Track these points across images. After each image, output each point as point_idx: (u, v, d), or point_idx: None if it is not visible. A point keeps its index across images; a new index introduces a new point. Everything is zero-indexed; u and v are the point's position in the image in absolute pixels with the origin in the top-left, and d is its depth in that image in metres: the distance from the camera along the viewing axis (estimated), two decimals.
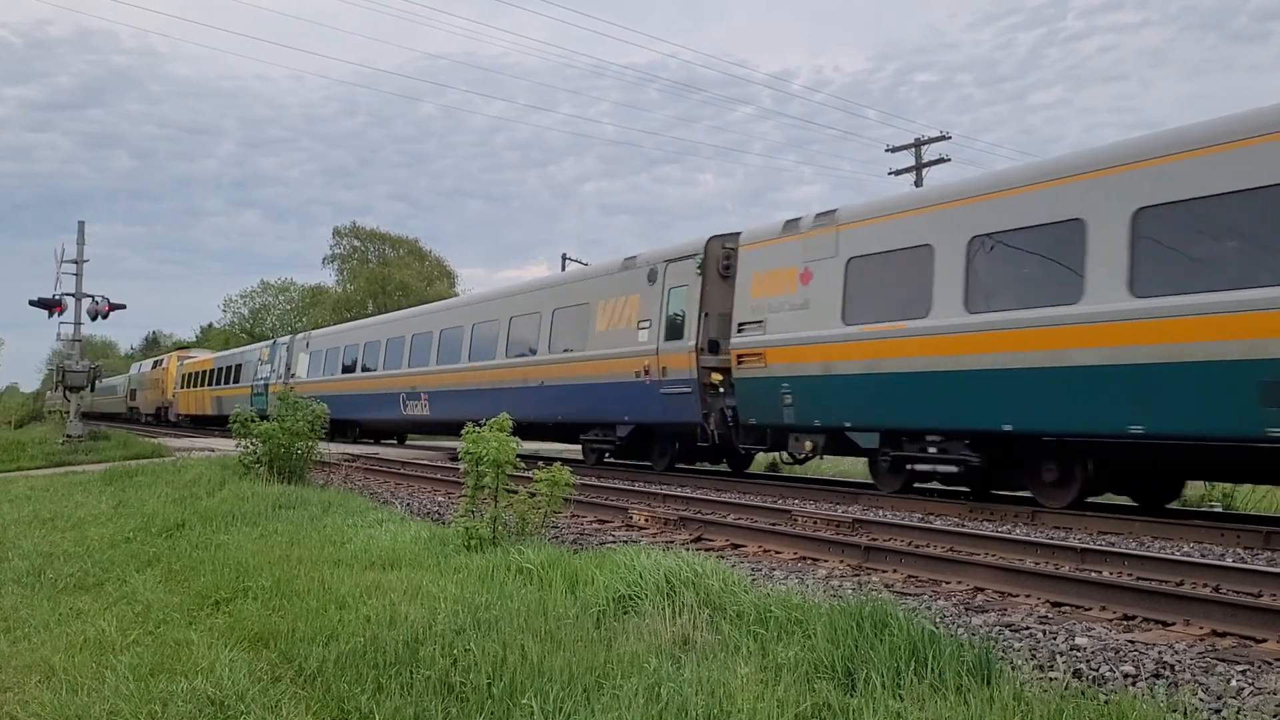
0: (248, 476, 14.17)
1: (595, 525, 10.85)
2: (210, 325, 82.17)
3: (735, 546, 9.25)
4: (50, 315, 26.72)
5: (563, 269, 42.04)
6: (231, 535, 9.35)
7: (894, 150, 34.65)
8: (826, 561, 8.36)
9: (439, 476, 16.04)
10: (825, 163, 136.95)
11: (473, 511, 8.73)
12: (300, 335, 35.73)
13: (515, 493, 8.84)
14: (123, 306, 27.71)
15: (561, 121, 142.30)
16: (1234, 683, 4.65)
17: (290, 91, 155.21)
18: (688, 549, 8.16)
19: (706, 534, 9.83)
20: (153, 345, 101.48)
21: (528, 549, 7.55)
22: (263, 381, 35.87)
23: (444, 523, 10.24)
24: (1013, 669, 4.73)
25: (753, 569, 7.86)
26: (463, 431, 8.92)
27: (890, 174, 34.77)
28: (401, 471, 18.00)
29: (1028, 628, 5.84)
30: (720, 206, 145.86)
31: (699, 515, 10.85)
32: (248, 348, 43.66)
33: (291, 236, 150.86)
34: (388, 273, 63.38)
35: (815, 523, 10.38)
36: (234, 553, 8.22)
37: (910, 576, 7.61)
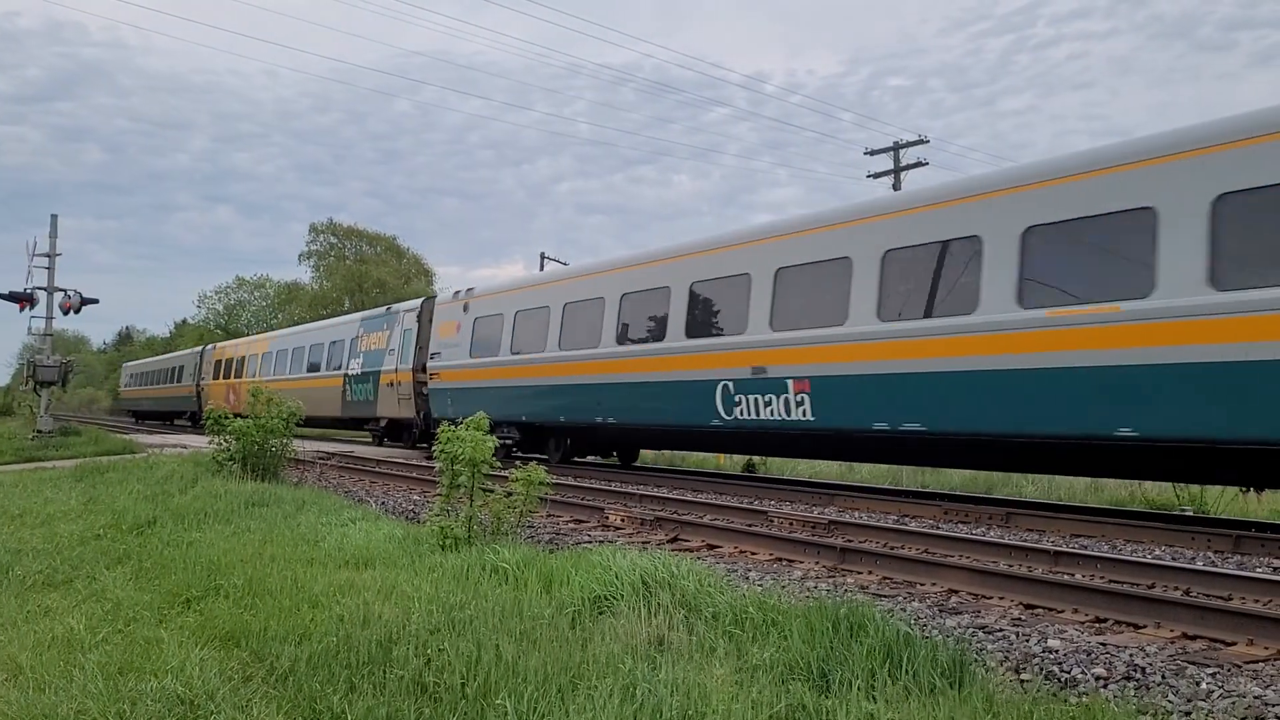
0: (221, 474, 14.05)
1: (571, 525, 10.83)
2: (184, 321, 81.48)
3: (711, 547, 9.25)
4: (21, 310, 26.36)
5: (541, 268, 42.11)
6: (203, 533, 9.26)
7: (873, 153, 34.85)
8: (802, 563, 8.38)
9: (414, 475, 15.97)
10: (800, 165, 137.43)
11: (448, 511, 8.69)
12: (449, 298, 24.27)
13: (491, 492, 8.81)
14: (95, 301, 27.36)
15: (537, 120, 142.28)
16: (1204, 685, 4.69)
17: (264, 87, 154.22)
18: (664, 549, 8.17)
19: (683, 534, 9.83)
20: (125, 341, 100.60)
21: (503, 548, 7.52)
22: (365, 371, 28.28)
23: (419, 522, 10.19)
24: (986, 671, 4.76)
25: (729, 569, 7.87)
26: (437, 430, 8.89)
27: (869, 176, 34.98)
28: (376, 470, 17.91)
29: (1001, 630, 5.87)
30: (695, 208, 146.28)
31: (675, 516, 10.85)
32: (328, 323, 34.37)
33: (265, 232, 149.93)
34: (364, 270, 63.07)
35: (791, 524, 10.40)
36: (206, 550, 8.14)
37: (885, 578, 7.64)
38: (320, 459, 19.92)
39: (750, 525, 10.35)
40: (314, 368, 32.33)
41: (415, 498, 13.45)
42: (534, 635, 5.19)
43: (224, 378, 40.57)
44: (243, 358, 39.73)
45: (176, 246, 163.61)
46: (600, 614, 5.76)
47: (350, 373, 29.19)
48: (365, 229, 69.97)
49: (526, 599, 6.06)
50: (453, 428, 8.78)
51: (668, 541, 9.44)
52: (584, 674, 4.51)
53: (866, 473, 19.72)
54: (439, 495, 9.03)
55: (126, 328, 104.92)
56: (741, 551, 9.02)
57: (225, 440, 14.66)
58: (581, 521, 11.11)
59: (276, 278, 75.87)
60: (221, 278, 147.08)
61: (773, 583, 7.26)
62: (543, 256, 44.79)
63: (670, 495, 13.33)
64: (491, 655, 4.72)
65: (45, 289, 26.37)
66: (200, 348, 42.11)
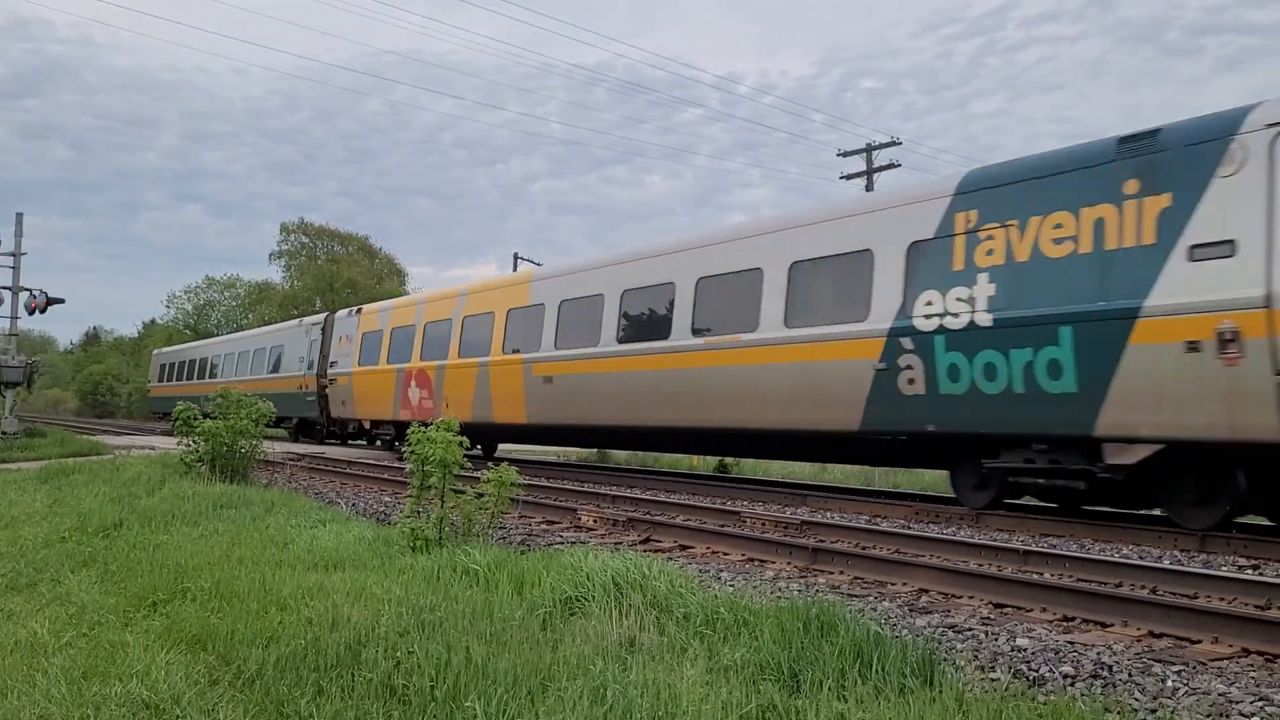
0: (189, 475, 13.91)
1: (544, 526, 10.80)
2: (153, 321, 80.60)
3: (684, 548, 9.25)
4: None
5: (514, 269, 41.99)
6: (171, 535, 9.16)
7: (846, 155, 35.02)
8: (774, 563, 8.40)
9: (385, 476, 15.87)
10: (773, 165, 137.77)
11: (418, 512, 8.65)
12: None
13: (462, 493, 8.77)
14: (61, 301, 27.06)
15: (510, 120, 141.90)
16: (1169, 683, 4.73)
17: (233, 85, 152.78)
18: (636, 550, 8.16)
19: (655, 535, 9.83)
20: (93, 341, 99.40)
21: (474, 550, 7.49)
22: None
23: (389, 523, 10.13)
24: (955, 670, 4.78)
25: (701, 570, 7.87)
26: (408, 431, 8.84)
27: (842, 178, 35.12)
28: (347, 471, 17.79)
29: (970, 629, 5.90)
30: (668, 208, 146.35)
31: (648, 516, 10.84)
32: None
33: (235, 232, 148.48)
34: (336, 270, 62.66)
35: (763, 524, 10.42)
36: (173, 553, 8.06)
37: (857, 578, 7.67)
38: (290, 460, 19.78)
39: (723, 526, 10.36)
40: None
41: (386, 499, 13.37)
42: (504, 637, 5.17)
43: (393, 361, 23.36)
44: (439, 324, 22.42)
45: (146, 245, 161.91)
46: (571, 615, 5.75)
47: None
48: (337, 229, 69.53)
49: (497, 600, 6.03)
50: (423, 429, 8.74)
51: (640, 542, 9.43)
52: (554, 675, 4.49)
53: (839, 473, 19.81)
54: (409, 497, 8.98)
55: (94, 328, 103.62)
56: (714, 552, 9.03)
57: (193, 441, 14.51)
58: (554, 522, 11.08)
59: (247, 277, 75.20)
60: (191, 277, 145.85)
61: (744, 583, 7.27)
62: (516, 257, 44.71)
63: (643, 496, 13.33)
64: (461, 657, 4.70)
65: (10, 288, 26.03)
66: (324, 315, 29.43)
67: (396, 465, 18.03)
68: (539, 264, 39.08)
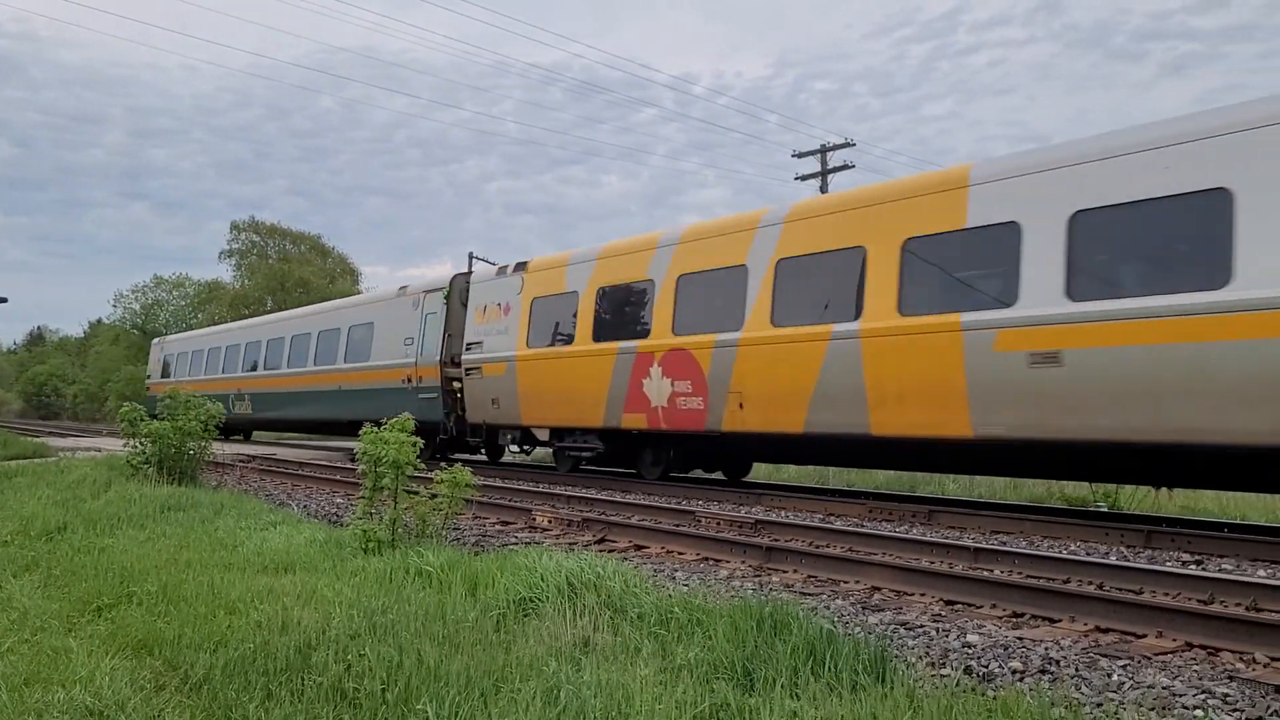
0: (136, 478, 13.67)
1: (498, 527, 10.74)
2: (100, 321, 79.11)
3: (638, 547, 9.25)
4: None
5: (469, 269, 41.50)
6: (117, 539, 9.00)
7: (800, 155, 35.21)
8: (728, 562, 8.42)
9: (337, 478, 15.72)
10: (728, 166, 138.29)
11: (371, 513, 8.56)
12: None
13: (416, 494, 8.70)
14: (3, 300, 26.52)
15: (465, 119, 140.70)
16: (1115, 677, 4.81)
17: (182, 81, 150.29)
18: (591, 550, 8.15)
19: (610, 535, 9.82)
20: (37, 341, 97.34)
21: (427, 551, 7.44)
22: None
23: (341, 525, 10.03)
24: (907, 666, 4.82)
25: (655, 570, 7.87)
26: (361, 431, 8.76)
27: (796, 179, 35.33)
28: (299, 473, 17.58)
29: (922, 626, 5.96)
30: (624, 208, 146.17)
31: (603, 516, 10.83)
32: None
33: (184, 230, 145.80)
34: (288, 269, 61.85)
35: (718, 523, 10.45)
36: (119, 557, 7.91)
37: (810, 576, 7.71)
38: (241, 462, 19.51)
39: (677, 525, 10.38)
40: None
41: (339, 500, 13.24)
42: (457, 639, 5.13)
43: (608, 338, 16.08)
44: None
45: (92, 244, 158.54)
46: (525, 616, 5.72)
47: None
48: (289, 228, 68.58)
49: (450, 602, 5.99)
50: (375, 429, 8.67)
51: (595, 542, 9.42)
52: (507, 677, 4.47)
53: (794, 472, 19.91)
54: (362, 498, 8.89)
55: (38, 327, 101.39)
56: (668, 551, 9.04)
57: (140, 443, 14.27)
58: (509, 523, 11.03)
59: (196, 276, 74.00)
60: (139, 276, 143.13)
61: (699, 582, 7.29)
62: (471, 257, 44.34)
63: (598, 496, 13.31)
64: (413, 660, 4.66)
65: None
66: (449, 278, 20.75)
67: (348, 466, 17.85)
68: (493, 263, 37.72)
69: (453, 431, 19.37)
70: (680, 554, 8.89)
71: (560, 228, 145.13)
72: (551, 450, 18.49)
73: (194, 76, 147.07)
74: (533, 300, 17.34)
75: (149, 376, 39.95)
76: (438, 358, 19.82)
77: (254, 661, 4.84)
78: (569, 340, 16.47)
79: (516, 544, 9.01)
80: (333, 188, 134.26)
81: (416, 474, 8.69)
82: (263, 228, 68.16)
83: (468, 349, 18.78)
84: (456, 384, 19.29)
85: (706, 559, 8.62)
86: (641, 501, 12.85)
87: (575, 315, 16.35)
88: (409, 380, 20.68)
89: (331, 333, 24.97)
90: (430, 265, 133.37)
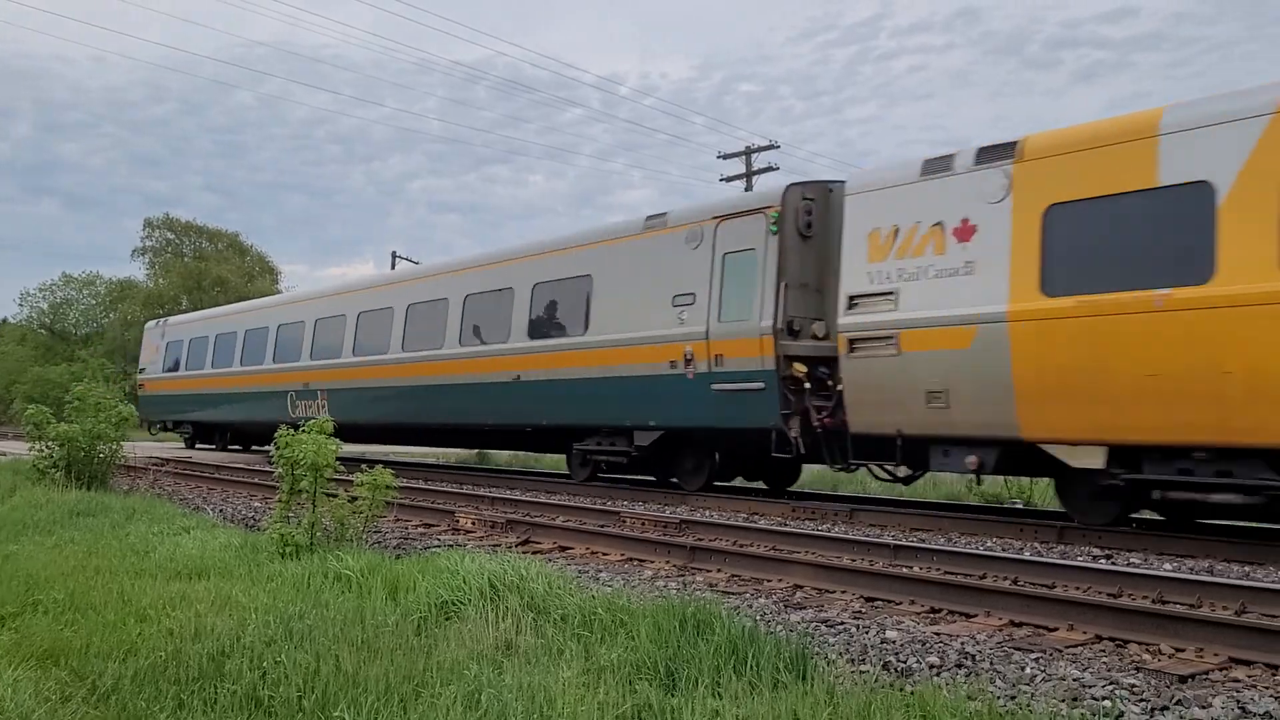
0: (42, 482, 13.23)
1: (420, 530, 10.62)
2: (4, 320, 76.31)
3: (563, 549, 9.22)
4: None
5: (392, 267, 40.60)
6: (21, 545, 8.69)
7: (726, 157, 35.47)
8: (653, 562, 8.43)
9: (256, 481, 15.39)
10: (655, 167, 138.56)
11: (288, 517, 8.40)
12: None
13: (335, 497, 8.56)
14: None
15: (387, 116, 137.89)
16: (1028, 670, 4.92)
17: (92, 74, 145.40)
18: (515, 552, 8.09)
19: (534, 536, 9.76)
20: None
21: (347, 555, 7.31)
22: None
23: (259, 529, 9.81)
24: (827, 664, 4.87)
25: (580, 571, 7.85)
26: (276, 434, 8.58)
27: (722, 180, 35.57)
28: (216, 476, 17.17)
29: (842, 623, 6.03)
30: (550, 207, 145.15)
31: (527, 518, 10.76)
32: None
33: (95, 227, 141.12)
34: (204, 267, 60.40)
35: (643, 524, 10.46)
36: (24, 564, 7.63)
37: (734, 575, 7.76)
38: (154, 465, 18.99)
39: (602, 526, 10.37)
40: None
41: (256, 504, 12.96)
42: (376, 644, 5.05)
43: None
44: None
45: None
46: (447, 620, 5.66)
47: None
48: (205, 225, 66.96)
49: (370, 606, 5.90)
50: (292, 431, 8.50)
51: (519, 544, 9.36)
52: (428, 682, 4.41)
53: None
54: (279, 501, 8.72)
55: None
56: (593, 552, 9.02)
57: (47, 446, 13.80)
58: (431, 525, 10.91)
59: (108, 275, 71.80)
60: (47, 274, 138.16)
61: (623, 583, 7.29)
62: (394, 256, 43.77)
63: (523, 497, 13.24)
64: (331, 666, 4.57)
65: None
66: (780, 189, 12.82)
67: (266, 469, 17.46)
68: (416, 262, 35.09)
69: (797, 445, 12.09)
70: (605, 555, 8.88)
71: (486, 226, 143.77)
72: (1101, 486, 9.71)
73: (104, 69, 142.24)
74: (1048, 209, 9.69)
75: (142, 371, 29.56)
76: (769, 324, 12.16)
77: (165, 670, 4.71)
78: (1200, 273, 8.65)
79: (439, 547, 8.92)
80: (251, 184, 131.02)
81: (336, 476, 8.55)
82: (178, 225, 66.44)
83: (850, 307, 11.21)
84: (798, 368, 12.00)
85: (631, 559, 8.62)
86: (567, 503, 12.81)
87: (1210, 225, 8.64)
88: (685, 363, 13.12)
89: (493, 296, 16.76)
90: (350, 264, 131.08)
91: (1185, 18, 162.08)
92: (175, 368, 27.40)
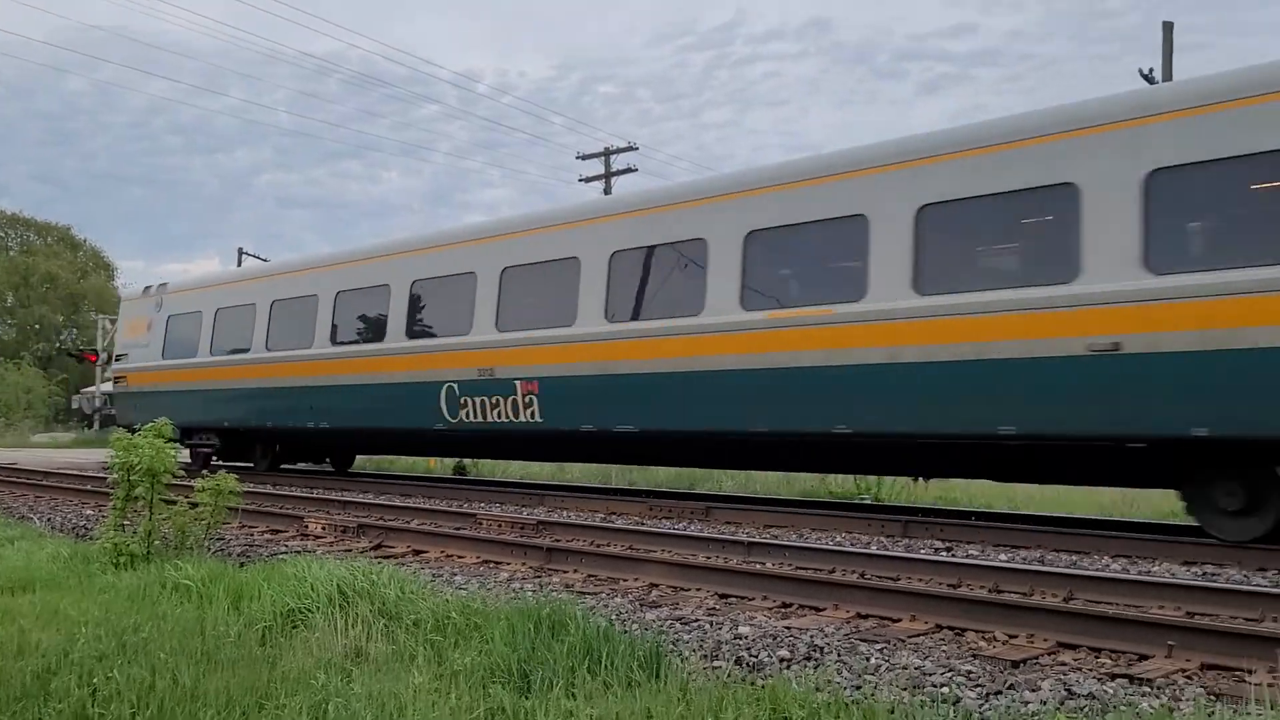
0: None
1: (267, 536, 10.24)
2: None
3: (417, 553, 9.05)
4: None
5: (239, 264, 39.11)
6: None
7: (585, 158, 35.59)
8: (509, 564, 8.36)
9: (88, 488, 14.58)
10: (514, 166, 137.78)
11: (123, 525, 7.99)
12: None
13: (174, 503, 8.18)
14: None
15: (233, 107, 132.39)
16: (873, 660, 5.08)
17: None
18: (367, 557, 7.91)
19: (388, 540, 9.55)
20: None
21: (187, 564, 7.00)
22: None
23: (91, 539, 9.30)
24: (682, 660, 4.92)
25: (434, 575, 7.71)
26: (112, 439, 8.15)
27: (581, 180, 35.63)
28: (43, 483, 16.19)
29: (697, 620, 6.10)
30: (406, 205, 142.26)
31: (380, 522, 10.52)
32: None
33: None
34: (32, 263, 57.00)
35: (500, 525, 10.36)
36: None
37: (591, 576, 7.76)
38: None
39: (458, 528, 10.23)
40: None
41: (88, 513, 12.26)
42: (218, 656, 4.85)
43: None
44: None
45: None
46: (294, 629, 5.48)
47: None
48: (32, 218, 63.21)
49: (211, 617, 5.67)
50: (129, 435, 8.09)
51: (371, 549, 9.14)
52: (272, 693, 4.26)
53: (577, 472, 20.04)
54: (113, 509, 8.28)
55: None
56: (448, 555, 8.88)
57: None
58: (279, 531, 10.54)
59: None
60: None
61: (478, 586, 7.20)
62: (240, 252, 42.18)
63: (377, 501, 12.95)
64: (168, 680, 4.36)
65: None
66: None
67: (100, 475, 16.56)
68: (265, 259, 34.12)
69: None
70: (460, 557, 8.76)
71: (337, 223, 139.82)
72: None
73: None
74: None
75: (120, 358, 21.32)
76: None
77: None
78: None
79: (286, 553, 8.62)
80: (84, 175, 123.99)
81: (175, 482, 8.18)
82: (2, 217, 62.46)
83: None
84: None
85: (487, 562, 8.53)
86: (422, 505, 12.59)
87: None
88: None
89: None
90: (192, 260, 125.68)
91: (1019, 35, 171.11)
92: (171, 353, 19.66)
